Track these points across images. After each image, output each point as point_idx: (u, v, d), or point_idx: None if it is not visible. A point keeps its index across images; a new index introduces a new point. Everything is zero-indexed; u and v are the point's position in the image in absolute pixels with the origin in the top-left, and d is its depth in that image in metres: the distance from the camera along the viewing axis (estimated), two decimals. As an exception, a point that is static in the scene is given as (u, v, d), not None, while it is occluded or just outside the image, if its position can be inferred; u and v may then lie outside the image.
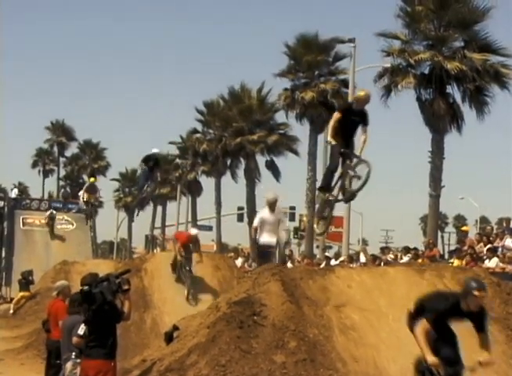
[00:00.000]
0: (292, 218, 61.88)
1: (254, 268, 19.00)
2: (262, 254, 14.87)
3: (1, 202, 40.64)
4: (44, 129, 76.99)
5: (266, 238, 14.57)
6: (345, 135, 12.81)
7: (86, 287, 8.96)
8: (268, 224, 14.57)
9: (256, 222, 14.81)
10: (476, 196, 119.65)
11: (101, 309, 8.80)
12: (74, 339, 9.59)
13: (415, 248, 22.84)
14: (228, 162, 50.05)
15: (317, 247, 40.08)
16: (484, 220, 67.15)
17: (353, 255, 28.07)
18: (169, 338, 12.71)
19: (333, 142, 12.71)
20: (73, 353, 10.01)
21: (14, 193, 44.93)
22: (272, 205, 14.67)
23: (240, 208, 56.87)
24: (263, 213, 14.87)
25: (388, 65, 30.77)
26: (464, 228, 28.92)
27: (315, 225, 15.08)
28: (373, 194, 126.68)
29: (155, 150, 22.84)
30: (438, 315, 8.57)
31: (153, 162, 22.48)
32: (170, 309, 18.61)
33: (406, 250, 23.36)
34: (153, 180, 21.95)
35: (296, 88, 38.86)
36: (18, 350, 19.15)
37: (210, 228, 64.96)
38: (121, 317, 9.03)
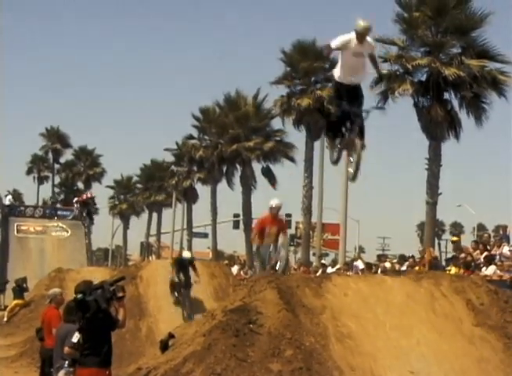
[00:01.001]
0: (288, 225, 62.00)
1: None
2: (338, 94, 11.57)
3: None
4: (38, 136, 76.90)
5: (346, 77, 11.20)
6: None
7: (80, 295, 8.85)
8: (352, 56, 11.01)
9: (336, 42, 10.98)
10: (473, 203, 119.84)
11: (95, 316, 8.70)
12: (66, 349, 9.47)
13: (412, 256, 22.69)
14: (224, 169, 50.00)
15: (313, 254, 40.00)
16: (481, 227, 67.06)
17: (348, 262, 27.96)
18: (164, 346, 12.59)
19: None
20: (66, 362, 9.91)
21: (8, 200, 44.85)
22: (360, 35, 10.92)
23: (236, 215, 56.83)
24: (349, 37, 10.95)
25: (385, 71, 30.71)
26: (454, 238, 28.56)
27: None
28: (370, 201, 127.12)
29: (186, 255, 21.28)
30: None
31: (184, 266, 20.57)
32: (165, 317, 18.55)
33: (402, 258, 23.25)
34: (187, 285, 20.16)
35: (292, 95, 38.87)
36: (12, 358, 19.07)
37: (205, 235, 64.89)
38: (116, 325, 8.93)
